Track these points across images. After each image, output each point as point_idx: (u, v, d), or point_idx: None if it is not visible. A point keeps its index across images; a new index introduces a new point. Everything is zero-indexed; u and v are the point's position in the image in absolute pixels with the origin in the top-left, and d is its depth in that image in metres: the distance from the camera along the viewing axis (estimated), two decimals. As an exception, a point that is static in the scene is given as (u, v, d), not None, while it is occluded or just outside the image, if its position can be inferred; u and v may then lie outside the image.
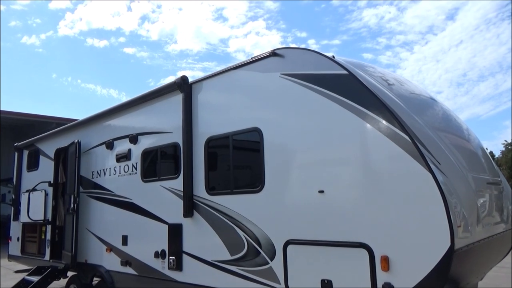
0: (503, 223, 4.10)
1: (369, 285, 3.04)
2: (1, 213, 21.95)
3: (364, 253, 3.10)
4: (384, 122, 3.12)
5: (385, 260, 2.98)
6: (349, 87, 3.37)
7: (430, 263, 2.76)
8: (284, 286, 3.58)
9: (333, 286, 3.25)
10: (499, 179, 4.25)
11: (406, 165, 2.96)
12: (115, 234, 5.65)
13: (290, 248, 3.59)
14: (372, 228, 3.10)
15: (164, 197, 4.95)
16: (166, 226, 4.85)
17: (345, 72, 3.42)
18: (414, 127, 3.16)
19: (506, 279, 7.79)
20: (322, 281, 3.31)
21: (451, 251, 2.69)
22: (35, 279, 6.44)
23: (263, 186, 3.87)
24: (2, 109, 20.68)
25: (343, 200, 3.30)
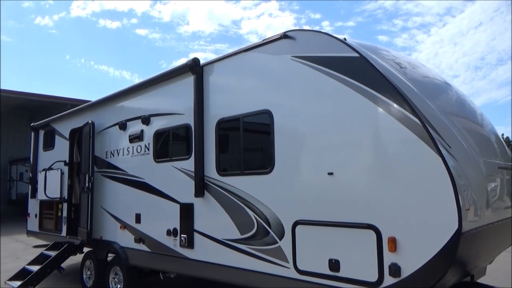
0: None
1: (376, 265, 3.10)
2: (18, 191, 22.63)
3: (371, 234, 3.15)
4: (395, 105, 3.11)
5: (393, 241, 3.03)
6: (360, 70, 3.35)
7: (437, 245, 2.80)
8: (292, 265, 3.67)
9: (340, 266, 3.32)
10: (511, 163, 4.21)
11: (416, 148, 2.97)
12: (128, 213, 5.81)
13: (298, 228, 3.66)
14: (380, 209, 3.14)
15: (176, 177, 5.05)
16: (178, 206, 4.97)
17: (356, 55, 3.40)
18: (425, 110, 3.14)
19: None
20: (330, 260, 3.38)
21: (458, 234, 2.72)
22: (52, 253, 6.69)
23: (273, 168, 3.92)
24: (17, 89, 21.12)
25: (352, 182, 3.34)
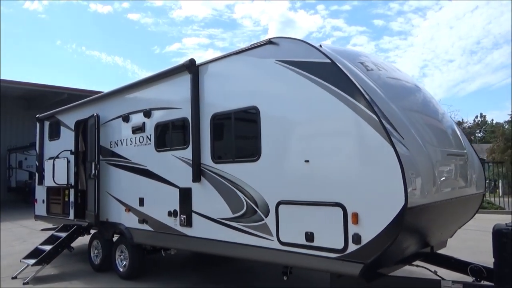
0: (467, 188, 4.79)
1: (342, 235, 3.79)
2: (18, 179, 23.16)
3: (339, 210, 3.83)
4: (357, 103, 3.76)
5: (355, 216, 3.71)
6: (331, 73, 3.98)
7: (388, 218, 3.48)
8: (276, 238, 4.36)
9: (315, 237, 4.01)
10: (464, 151, 4.89)
11: (373, 139, 3.63)
12: (132, 197, 6.46)
13: (281, 207, 4.34)
14: (346, 190, 3.81)
15: (175, 164, 5.69)
16: (178, 190, 5.62)
17: (328, 60, 4.03)
18: (383, 108, 3.79)
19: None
20: (306, 233, 4.07)
21: (404, 209, 3.39)
22: (63, 234, 7.35)
23: (260, 156, 4.57)
24: (8, 76, 21.49)
25: (324, 169, 4.00)
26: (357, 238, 3.69)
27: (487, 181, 22.37)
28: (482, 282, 4.27)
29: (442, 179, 4.16)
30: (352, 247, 3.73)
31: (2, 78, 20.51)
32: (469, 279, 4.37)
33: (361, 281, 3.99)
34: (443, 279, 4.10)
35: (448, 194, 4.24)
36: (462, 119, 40.78)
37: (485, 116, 56.14)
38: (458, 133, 5.13)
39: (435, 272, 4.54)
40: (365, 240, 3.65)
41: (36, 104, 24.03)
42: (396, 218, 3.44)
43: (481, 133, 50.32)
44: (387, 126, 3.62)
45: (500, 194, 18.93)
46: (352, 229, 3.74)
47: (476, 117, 55.70)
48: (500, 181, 21.11)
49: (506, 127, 28.94)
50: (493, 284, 3.93)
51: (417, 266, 4.70)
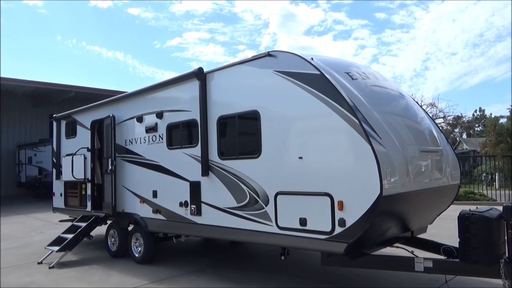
0: (442, 180, 5.48)
1: (330, 220, 4.51)
2: (27, 174, 23.94)
3: (327, 199, 4.54)
4: (341, 108, 4.46)
5: (340, 203, 4.43)
6: (320, 83, 4.68)
7: (367, 205, 4.20)
8: (274, 223, 5.08)
9: (307, 222, 4.73)
10: (439, 148, 5.59)
11: (355, 139, 4.34)
12: (146, 190, 7.19)
13: (279, 197, 5.05)
14: (333, 182, 4.52)
15: (185, 161, 6.42)
16: (188, 183, 6.35)
17: (318, 72, 4.72)
18: (364, 112, 4.49)
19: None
20: (300, 218, 4.79)
21: (379, 197, 4.11)
22: (82, 224, 8.10)
23: (261, 153, 5.29)
24: (12, 74, 22.32)
25: (315, 163, 4.71)
26: (342, 222, 4.41)
27: (484, 175, 23.09)
28: (452, 260, 4.98)
29: (416, 172, 4.87)
30: (338, 230, 4.45)
31: (9, 76, 21.26)
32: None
33: (346, 259, 4.72)
34: (416, 256, 4.82)
35: (423, 185, 4.94)
36: (461, 114, 41.44)
37: (484, 110, 56.77)
38: (435, 132, 5.82)
39: (412, 252, 5.27)
40: (348, 223, 4.36)
41: (44, 102, 24.79)
42: (373, 205, 4.16)
43: (480, 127, 50.91)
44: (367, 128, 4.32)
45: (497, 187, 19.51)
46: (338, 214, 4.46)
47: (475, 111, 56.28)
48: (496, 174, 21.72)
49: (500, 121, 29.55)
50: (458, 260, 4.66)
51: (397, 247, 5.42)
